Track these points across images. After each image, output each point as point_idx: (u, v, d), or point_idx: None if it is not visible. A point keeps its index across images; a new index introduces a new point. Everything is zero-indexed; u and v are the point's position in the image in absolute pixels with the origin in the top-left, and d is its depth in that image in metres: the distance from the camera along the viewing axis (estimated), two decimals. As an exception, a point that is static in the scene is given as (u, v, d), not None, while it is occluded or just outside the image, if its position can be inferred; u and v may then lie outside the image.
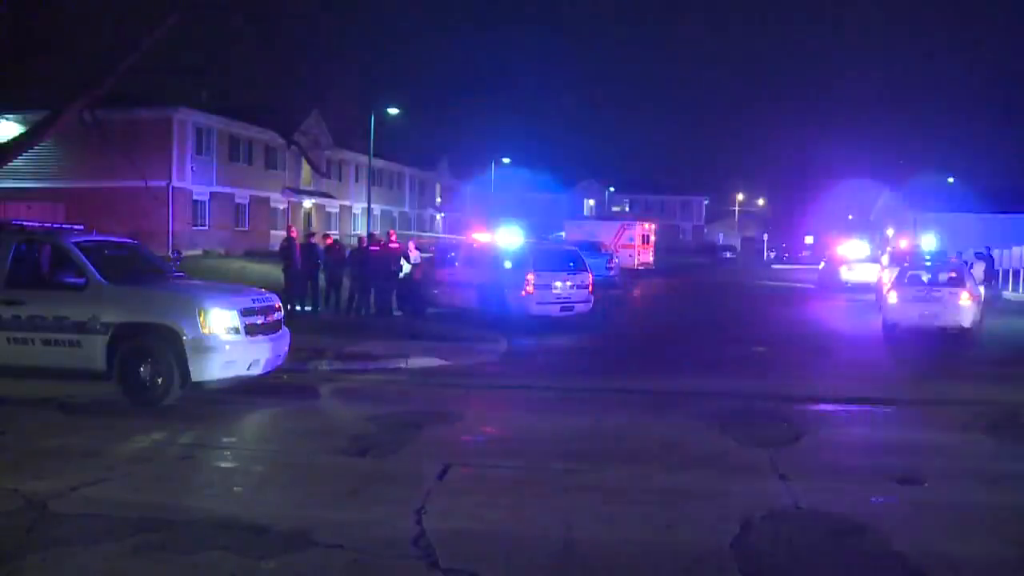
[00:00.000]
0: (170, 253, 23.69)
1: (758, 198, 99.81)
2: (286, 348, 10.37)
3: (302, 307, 18.57)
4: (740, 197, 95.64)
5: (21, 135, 18.04)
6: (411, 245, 21.33)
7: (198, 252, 33.56)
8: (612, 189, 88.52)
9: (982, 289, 18.46)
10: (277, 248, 19.41)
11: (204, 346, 8.92)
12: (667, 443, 8.07)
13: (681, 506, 6.10)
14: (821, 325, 20.83)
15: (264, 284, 17.14)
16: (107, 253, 10.03)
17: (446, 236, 49.85)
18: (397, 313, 18.94)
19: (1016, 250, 29.10)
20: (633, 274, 39.58)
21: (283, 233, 21.05)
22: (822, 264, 37.63)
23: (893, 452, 7.80)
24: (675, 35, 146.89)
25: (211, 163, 37.18)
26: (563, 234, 47.57)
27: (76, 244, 9.57)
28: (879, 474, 6.98)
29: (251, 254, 35.72)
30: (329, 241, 20.45)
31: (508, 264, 17.95)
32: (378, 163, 48.56)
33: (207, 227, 36.62)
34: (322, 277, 19.35)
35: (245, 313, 9.39)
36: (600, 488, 6.52)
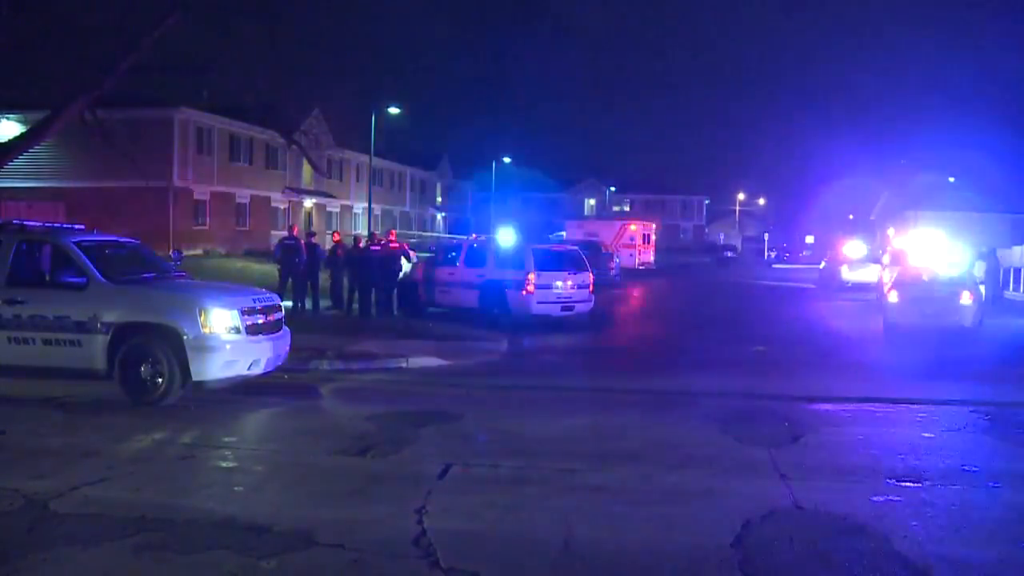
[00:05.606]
0: (171, 253, 23.67)
1: (759, 198, 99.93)
2: (287, 348, 10.38)
3: (302, 306, 18.58)
4: (741, 197, 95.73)
5: (22, 135, 18.04)
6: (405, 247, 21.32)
7: (199, 252, 33.56)
8: (612, 189, 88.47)
9: (982, 289, 18.44)
10: (281, 246, 19.20)
11: (205, 345, 8.93)
12: (667, 443, 8.08)
13: (681, 506, 6.11)
14: (822, 325, 20.81)
15: (265, 284, 17.15)
16: (108, 252, 10.04)
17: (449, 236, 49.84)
18: (397, 313, 18.94)
19: (1016, 250, 29.05)
20: (634, 274, 39.61)
21: (284, 232, 20.99)
22: (823, 264, 37.64)
23: (893, 452, 7.79)
24: (676, 35, 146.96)
25: (212, 163, 37.19)
26: (564, 234, 47.60)
27: (77, 243, 9.58)
28: (879, 474, 6.98)
29: (252, 254, 35.72)
30: (335, 239, 20.50)
31: (509, 264, 17.95)
32: (379, 163, 48.58)
33: (208, 227, 36.62)
34: (322, 276, 19.36)
35: (246, 313, 9.41)
36: (600, 488, 6.52)
